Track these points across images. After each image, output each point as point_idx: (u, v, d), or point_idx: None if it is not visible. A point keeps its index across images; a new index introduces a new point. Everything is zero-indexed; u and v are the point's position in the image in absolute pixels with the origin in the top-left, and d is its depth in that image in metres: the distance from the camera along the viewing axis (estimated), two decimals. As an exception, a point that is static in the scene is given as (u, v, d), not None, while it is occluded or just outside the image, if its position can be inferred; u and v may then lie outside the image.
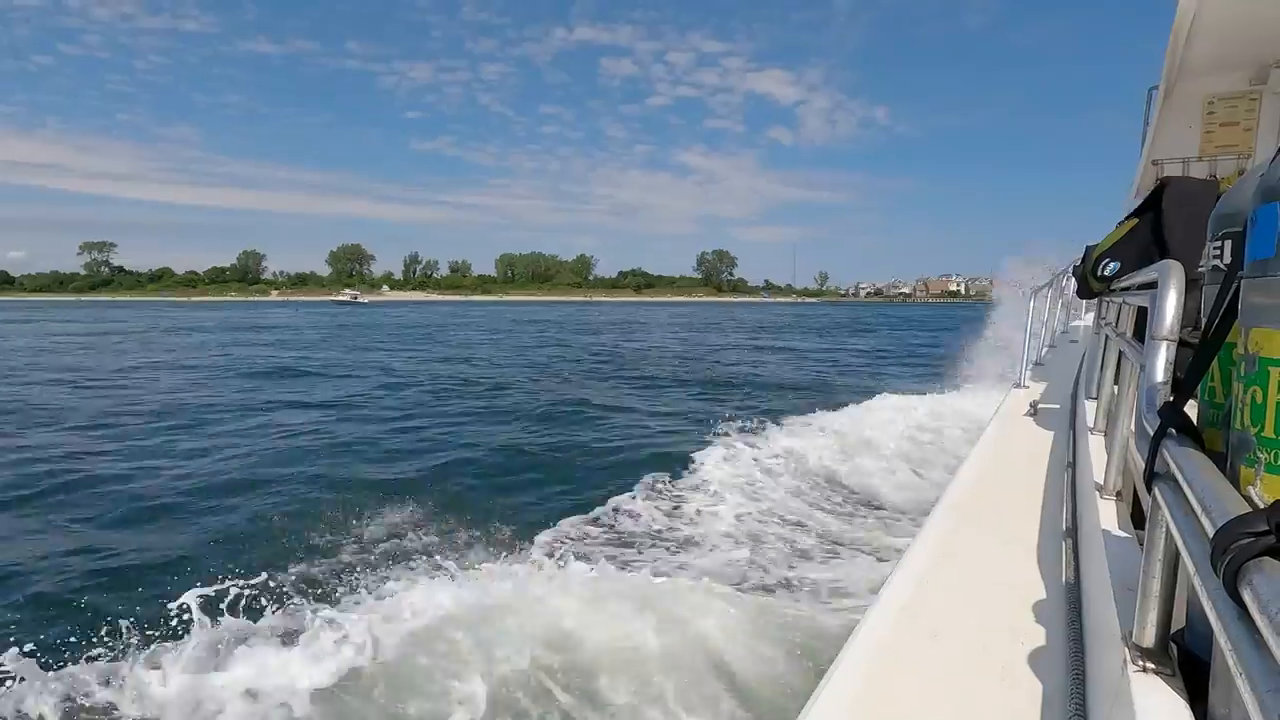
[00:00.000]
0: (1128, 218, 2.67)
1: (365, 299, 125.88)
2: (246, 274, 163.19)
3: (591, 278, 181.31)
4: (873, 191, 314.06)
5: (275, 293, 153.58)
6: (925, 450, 8.82)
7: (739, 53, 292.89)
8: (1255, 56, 4.07)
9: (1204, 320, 1.00)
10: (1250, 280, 0.79)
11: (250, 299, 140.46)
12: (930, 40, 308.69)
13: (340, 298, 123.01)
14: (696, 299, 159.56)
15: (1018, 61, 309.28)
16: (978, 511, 2.27)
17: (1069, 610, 1.49)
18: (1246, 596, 0.51)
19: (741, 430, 9.89)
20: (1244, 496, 0.71)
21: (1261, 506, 0.60)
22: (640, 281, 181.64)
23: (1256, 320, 0.77)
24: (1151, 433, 0.90)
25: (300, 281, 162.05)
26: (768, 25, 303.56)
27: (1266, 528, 0.54)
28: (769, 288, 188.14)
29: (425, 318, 59.30)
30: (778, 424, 10.15)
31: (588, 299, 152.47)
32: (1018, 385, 4.52)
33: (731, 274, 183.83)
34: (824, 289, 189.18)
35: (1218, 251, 1.09)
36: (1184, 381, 0.91)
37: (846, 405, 11.68)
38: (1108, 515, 1.67)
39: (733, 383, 17.44)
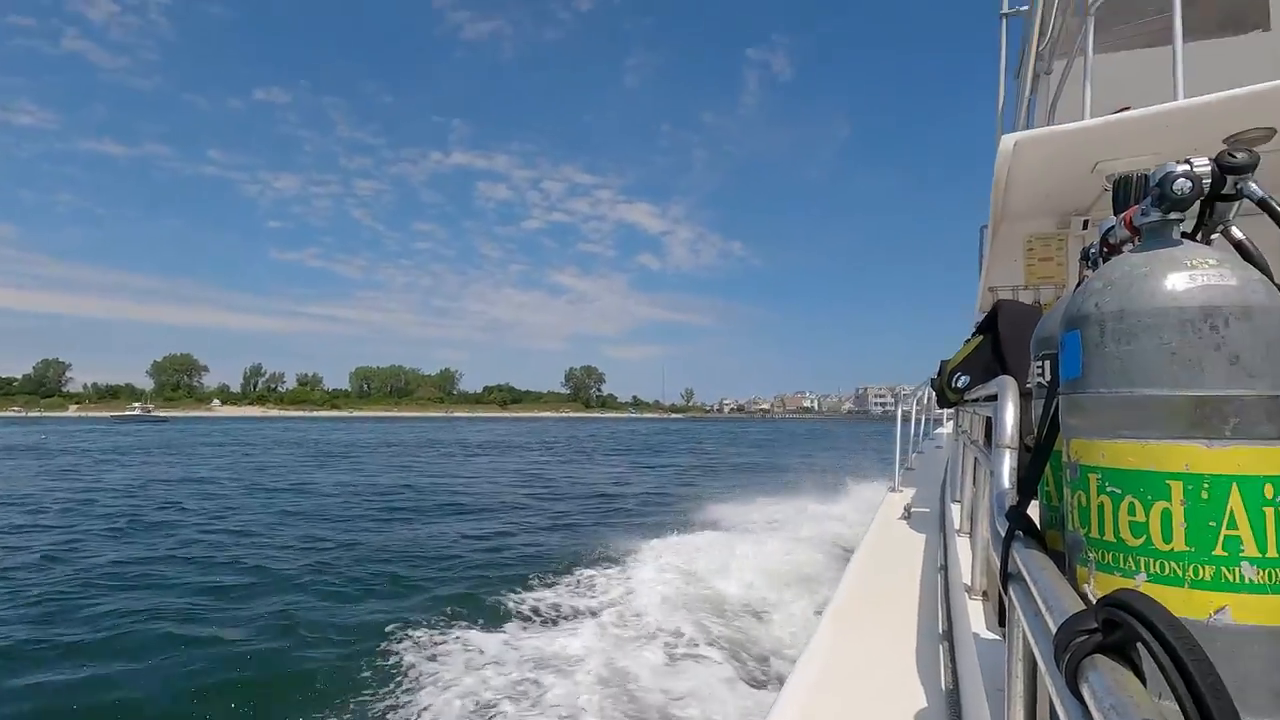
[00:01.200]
0: (973, 335, 2.98)
1: (162, 413, 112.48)
2: (42, 385, 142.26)
3: (455, 392, 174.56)
4: (734, 315, 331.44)
5: (74, 407, 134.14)
6: None
7: (609, 185, 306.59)
8: (1058, 207, 4.79)
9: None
10: (1065, 396, 0.86)
11: (37, 414, 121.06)
12: (775, 188, 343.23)
13: (125, 413, 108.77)
14: (563, 414, 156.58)
15: (853, 208, 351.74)
16: (863, 617, 2.32)
17: (950, 716, 1.54)
18: (1085, 693, 0.52)
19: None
20: (1080, 595, 0.73)
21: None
22: (507, 397, 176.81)
23: (1074, 432, 0.83)
24: (1002, 534, 0.94)
25: (111, 394, 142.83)
26: (635, 166, 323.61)
27: (1095, 625, 0.55)
28: (637, 404, 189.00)
29: (188, 437, 50.75)
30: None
31: (449, 414, 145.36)
32: (892, 489, 5.03)
33: (600, 390, 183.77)
34: (690, 405, 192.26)
35: (1039, 370, 1.21)
36: (1021, 487, 0.99)
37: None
38: (976, 616, 1.72)
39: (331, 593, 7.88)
